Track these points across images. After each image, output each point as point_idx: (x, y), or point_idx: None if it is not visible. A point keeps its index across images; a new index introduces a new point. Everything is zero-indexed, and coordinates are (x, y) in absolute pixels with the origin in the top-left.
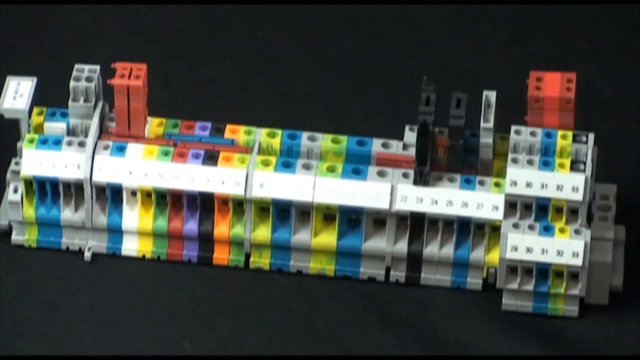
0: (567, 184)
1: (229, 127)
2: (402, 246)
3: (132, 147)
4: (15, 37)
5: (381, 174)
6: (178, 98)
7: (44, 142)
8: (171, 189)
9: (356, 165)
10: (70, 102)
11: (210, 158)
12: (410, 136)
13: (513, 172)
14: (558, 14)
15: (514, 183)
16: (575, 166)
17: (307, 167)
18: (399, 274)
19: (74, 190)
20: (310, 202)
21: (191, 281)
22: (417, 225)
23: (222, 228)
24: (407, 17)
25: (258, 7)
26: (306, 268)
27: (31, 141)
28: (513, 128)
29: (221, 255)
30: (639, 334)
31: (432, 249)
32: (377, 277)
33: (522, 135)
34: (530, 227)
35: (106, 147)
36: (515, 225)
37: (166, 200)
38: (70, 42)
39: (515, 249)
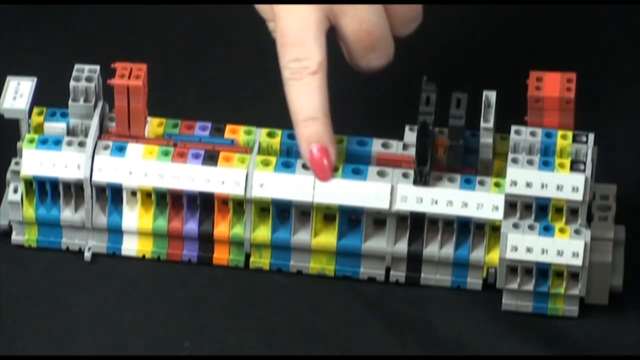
0: (567, 184)
1: (229, 127)
2: (402, 246)
3: (132, 147)
4: (15, 37)
5: (381, 174)
6: (178, 98)
7: (44, 142)
8: (171, 189)
9: (356, 165)
10: (70, 102)
11: (210, 158)
12: (410, 136)
13: (513, 172)
14: (558, 13)
15: (514, 183)
16: (575, 166)
17: (307, 167)
18: (399, 274)
19: (74, 190)
20: (310, 202)
21: (191, 281)
22: (417, 225)
23: (222, 228)
24: None
25: None
26: (306, 268)
27: (31, 141)
28: (513, 128)
29: (221, 255)
30: (639, 334)
31: (432, 249)
32: (377, 277)
33: (522, 135)
34: (530, 227)
35: (106, 147)
36: (515, 225)
37: (166, 200)
38: (70, 42)
39: (515, 249)
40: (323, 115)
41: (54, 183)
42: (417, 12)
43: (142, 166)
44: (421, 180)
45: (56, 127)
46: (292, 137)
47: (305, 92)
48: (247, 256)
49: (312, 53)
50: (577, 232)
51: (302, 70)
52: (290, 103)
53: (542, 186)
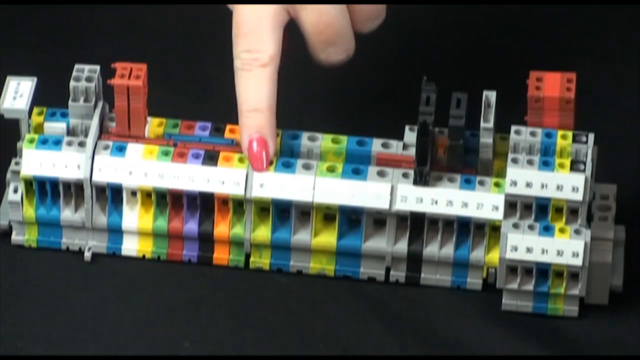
0: (567, 184)
1: (229, 127)
2: (402, 246)
3: (132, 147)
4: (15, 37)
5: (381, 174)
6: (178, 98)
7: (44, 142)
8: (171, 189)
9: (356, 165)
10: (70, 102)
11: (210, 158)
12: (410, 136)
13: (513, 172)
14: (558, 14)
15: (514, 183)
16: (575, 166)
17: (307, 167)
18: (399, 274)
19: (74, 190)
20: (310, 202)
21: (191, 281)
22: (417, 225)
23: (222, 228)
24: (407, 16)
25: None
26: (306, 268)
27: (31, 141)
28: (513, 128)
29: (221, 255)
30: (639, 334)
31: (432, 249)
32: (377, 277)
33: (522, 135)
34: (530, 227)
35: (106, 147)
36: (515, 225)
37: (166, 200)
38: (70, 42)
39: (515, 249)
40: (267, 108)
41: (54, 183)
42: (380, 10)
43: (142, 166)
44: (421, 180)
45: (56, 127)
46: (292, 137)
47: (253, 84)
48: (247, 256)
49: (265, 46)
50: (577, 232)
51: (252, 61)
52: (237, 93)
53: (542, 186)
